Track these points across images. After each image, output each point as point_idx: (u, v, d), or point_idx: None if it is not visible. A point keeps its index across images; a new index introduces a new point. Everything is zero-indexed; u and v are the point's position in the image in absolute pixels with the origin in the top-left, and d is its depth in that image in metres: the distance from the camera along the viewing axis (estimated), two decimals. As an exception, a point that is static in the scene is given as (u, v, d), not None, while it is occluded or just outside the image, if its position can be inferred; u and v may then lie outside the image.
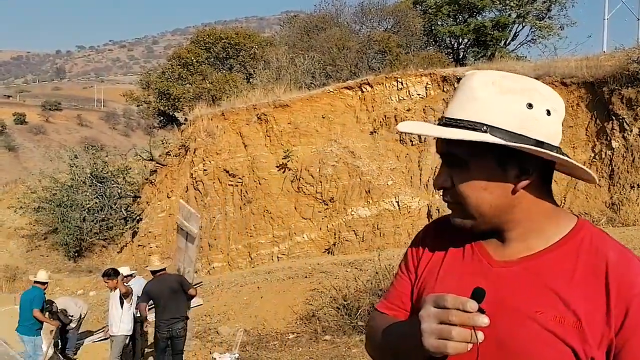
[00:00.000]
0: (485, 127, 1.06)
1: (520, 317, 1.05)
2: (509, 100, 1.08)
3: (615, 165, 11.85)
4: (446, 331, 0.94)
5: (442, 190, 1.16)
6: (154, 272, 7.52)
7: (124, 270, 8.86)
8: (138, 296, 8.21)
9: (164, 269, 7.64)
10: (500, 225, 1.14)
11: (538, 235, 1.13)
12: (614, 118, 12.10)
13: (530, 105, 1.08)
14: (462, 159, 1.10)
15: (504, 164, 1.09)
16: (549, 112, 1.09)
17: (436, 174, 1.16)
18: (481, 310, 0.94)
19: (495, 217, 1.13)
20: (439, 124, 1.12)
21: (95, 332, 10.63)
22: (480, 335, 0.94)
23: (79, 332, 9.88)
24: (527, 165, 1.09)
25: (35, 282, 8.52)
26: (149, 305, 7.80)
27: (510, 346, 1.04)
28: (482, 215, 1.12)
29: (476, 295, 0.95)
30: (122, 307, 7.63)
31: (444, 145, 1.12)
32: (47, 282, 8.59)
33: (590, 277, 1.06)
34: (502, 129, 1.06)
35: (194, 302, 11.17)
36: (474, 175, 1.10)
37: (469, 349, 0.94)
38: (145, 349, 9.14)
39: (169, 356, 7.31)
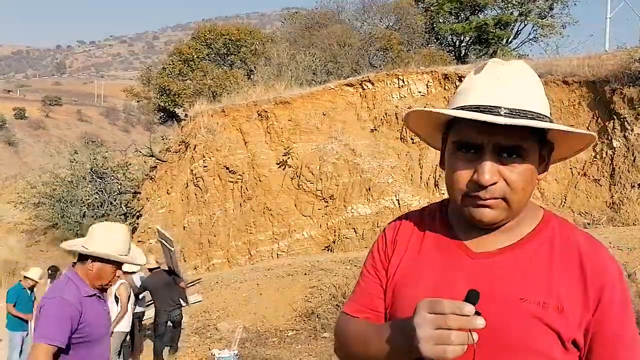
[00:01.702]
0: (547, 118, 1.11)
1: (506, 305, 1.08)
2: (544, 93, 1.14)
3: (616, 165, 11.83)
4: (445, 336, 0.94)
5: (471, 187, 1.10)
6: (150, 269, 8.56)
7: (127, 266, 8.76)
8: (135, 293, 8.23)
9: (159, 267, 8.82)
10: (515, 217, 1.15)
11: (517, 226, 1.15)
12: (615, 117, 12.07)
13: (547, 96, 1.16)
14: (524, 149, 1.09)
15: (542, 154, 1.15)
16: None
17: (480, 170, 1.07)
18: (477, 313, 0.95)
19: (522, 209, 1.14)
20: (490, 114, 1.07)
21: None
22: (476, 336, 0.95)
23: None
24: (545, 154, 1.16)
25: (25, 277, 8.46)
26: (147, 302, 8.86)
27: (499, 334, 1.06)
28: (520, 207, 1.13)
29: (471, 297, 0.96)
30: (117, 305, 7.62)
31: (509, 137, 1.06)
32: (34, 280, 8.40)
33: (566, 263, 1.11)
34: (552, 119, 1.12)
35: (193, 298, 11.24)
36: (529, 166, 1.10)
37: (465, 350, 0.96)
38: (144, 346, 9.14)
39: (167, 340, 8.43)
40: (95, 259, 2.86)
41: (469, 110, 1.08)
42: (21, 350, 8.33)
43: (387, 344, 1.11)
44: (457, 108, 1.11)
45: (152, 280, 8.34)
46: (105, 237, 2.89)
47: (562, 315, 1.07)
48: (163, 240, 10.67)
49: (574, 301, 1.08)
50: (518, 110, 1.07)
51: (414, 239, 1.25)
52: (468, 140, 1.10)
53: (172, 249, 9.84)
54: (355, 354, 1.23)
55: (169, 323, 8.41)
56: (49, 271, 9.59)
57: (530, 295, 1.08)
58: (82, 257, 2.90)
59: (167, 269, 9.29)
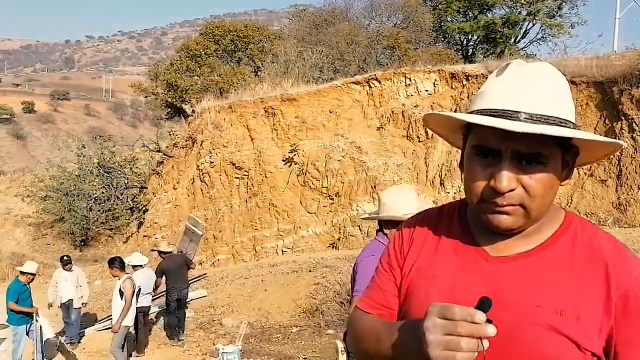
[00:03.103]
0: (570, 124, 1.07)
1: (521, 312, 1.05)
2: (570, 97, 1.11)
3: (623, 166, 11.77)
4: (455, 343, 0.93)
5: (489, 193, 1.07)
6: (164, 253, 9.45)
7: (135, 259, 8.88)
8: (140, 288, 8.29)
9: (171, 251, 9.79)
10: (534, 223, 1.12)
11: (537, 231, 1.12)
12: (623, 118, 12.01)
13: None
14: (544, 156, 1.05)
15: (565, 160, 1.10)
16: None
17: (498, 176, 1.04)
18: (488, 320, 0.93)
19: (542, 216, 1.11)
20: (510, 119, 1.03)
21: (100, 321, 10.70)
22: (486, 343, 0.93)
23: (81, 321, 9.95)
24: (569, 159, 1.12)
25: (21, 272, 8.51)
26: (154, 296, 9.54)
27: (512, 342, 1.04)
28: (540, 215, 1.09)
29: (482, 305, 0.93)
30: (122, 298, 7.68)
31: (528, 143, 1.02)
32: (32, 274, 8.48)
33: (588, 267, 1.07)
34: (577, 125, 1.08)
35: (198, 293, 11.30)
36: (549, 174, 1.06)
37: (474, 357, 0.94)
38: (148, 340, 9.20)
39: (175, 315, 9.32)
40: (389, 223, 3.04)
41: (488, 115, 1.05)
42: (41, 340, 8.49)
43: (397, 343, 1.10)
44: (476, 111, 1.09)
45: (168, 263, 9.25)
46: (396, 200, 3.05)
47: (579, 324, 1.03)
48: (192, 226, 12.61)
49: (595, 307, 1.04)
50: (539, 115, 1.03)
51: (430, 238, 1.23)
52: (486, 145, 1.06)
53: (201, 234, 12.15)
54: (366, 350, 1.22)
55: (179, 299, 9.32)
56: (64, 260, 9.72)
57: (546, 302, 1.05)
58: (383, 223, 3.12)
59: (178, 252, 10.65)
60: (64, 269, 9.57)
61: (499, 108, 1.05)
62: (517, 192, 1.04)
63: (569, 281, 1.06)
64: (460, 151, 1.20)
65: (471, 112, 1.11)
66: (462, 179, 1.16)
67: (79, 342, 9.53)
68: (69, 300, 9.44)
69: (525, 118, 1.03)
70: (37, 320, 8.35)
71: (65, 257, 9.88)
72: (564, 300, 1.04)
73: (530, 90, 1.05)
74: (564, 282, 1.06)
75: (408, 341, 1.06)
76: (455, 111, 13.91)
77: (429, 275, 1.17)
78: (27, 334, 8.30)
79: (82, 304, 9.73)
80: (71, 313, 9.47)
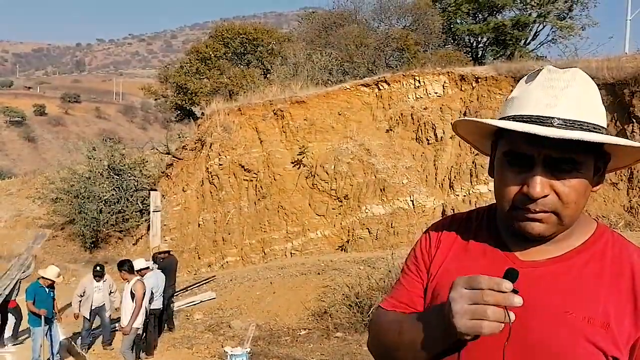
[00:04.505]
0: (603, 130, 1.06)
1: (550, 317, 1.04)
2: (601, 103, 1.10)
3: (634, 169, 11.67)
4: (481, 311, 0.93)
5: (521, 199, 1.06)
6: (166, 252, 10.32)
7: (139, 263, 8.82)
8: (152, 290, 8.31)
9: (170, 251, 10.62)
10: (566, 230, 1.12)
11: (567, 237, 1.12)
12: (634, 120, 11.92)
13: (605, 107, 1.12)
14: (578, 163, 1.04)
15: (597, 166, 1.10)
16: None
17: (531, 182, 1.04)
18: (514, 291, 0.94)
19: (574, 223, 1.10)
20: (543, 125, 1.03)
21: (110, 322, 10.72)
22: (512, 315, 0.94)
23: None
24: (601, 166, 1.11)
25: (42, 277, 8.55)
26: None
27: (540, 347, 1.04)
28: (572, 222, 1.09)
29: (509, 275, 0.95)
30: (132, 300, 7.69)
31: (561, 149, 1.02)
32: (51, 280, 8.48)
33: (618, 278, 1.07)
34: (608, 131, 1.08)
35: (206, 295, 11.31)
36: (582, 180, 1.06)
37: (501, 329, 0.94)
38: (157, 341, 9.22)
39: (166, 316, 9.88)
40: None
41: (520, 121, 1.05)
42: (51, 343, 8.55)
43: (422, 329, 1.09)
44: (508, 117, 1.08)
45: (169, 261, 10.07)
46: None
47: (607, 332, 1.02)
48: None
49: (622, 318, 1.03)
50: (573, 121, 1.02)
51: (458, 242, 1.22)
52: (518, 151, 1.06)
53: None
54: (388, 345, 1.20)
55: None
56: (97, 272, 9.55)
57: (575, 309, 1.04)
58: None
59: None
60: (95, 280, 9.42)
61: (532, 114, 1.05)
62: (550, 199, 1.04)
63: (599, 290, 1.06)
64: (488, 158, 1.20)
65: (502, 119, 1.10)
66: (492, 186, 1.15)
67: (110, 344, 9.52)
68: (99, 306, 9.41)
69: (558, 124, 1.02)
70: (49, 323, 8.44)
71: (98, 268, 9.63)
72: (592, 308, 1.04)
73: (562, 96, 1.05)
74: (594, 290, 1.06)
75: (434, 321, 1.06)
76: (465, 114, 13.86)
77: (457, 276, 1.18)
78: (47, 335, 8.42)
79: (115, 309, 9.68)
80: (103, 318, 9.48)
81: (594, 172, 1.09)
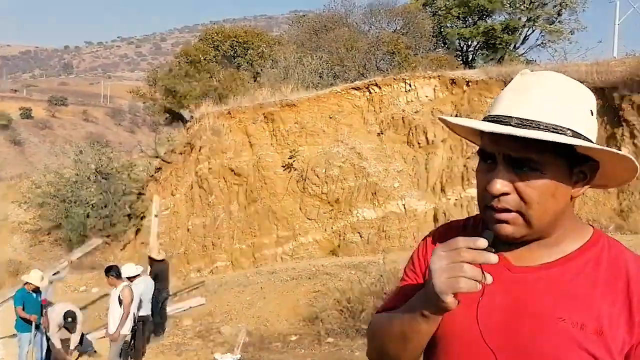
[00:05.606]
0: (569, 132, 1.04)
1: (542, 323, 1.05)
2: (580, 106, 1.08)
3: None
4: (458, 267, 0.97)
5: (486, 197, 1.08)
6: (159, 260, 10.33)
7: (129, 271, 8.47)
8: (141, 298, 8.16)
9: (164, 259, 10.62)
10: (542, 233, 1.10)
11: (560, 243, 1.12)
12: (624, 124, 11.98)
13: (592, 113, 1.10)
14: (538, 163, 1.04)
15: (572, 169, 1.08)
16: (592, 114, 1.11)
17: (490, 178, 1.07)
18: (490, 250, 0.97)
19: (549, 226, 1.09)
20: (502, 123, 1.06)
21: (97, 329, 10.56)
22: (489, 277, 0.98)
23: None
24: (586, 171, 1.10)
25: (26, 282, 8.41)
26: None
27: (531, 353, 1.04)
28: (541, 224, 1.08)
29: (485, 235, 1.00)
30: (120, 306, 7.55)
31: (517, 148, 1.03)
32: (34, 286, 8.30)
33: (612, 285, 1.06)
34: (580, 134, 1.05)
35: (196, 301, 11.19)
36: (546, 181, 1.05)
37: (478, 288, 0.97)
38: (146, 348, 9.08)
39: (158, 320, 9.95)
40: None
41: (489, 121, 1.08)
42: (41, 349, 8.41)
43: (407, 310, 1.12)
44: (484, 118, 1.12)
45: (162, 266, 10.31)
46: None
47: (600, 339, 1.02)
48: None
49: (617, 325, 1.03)
50: (530, 121, 1.03)
51: None
52: (485, 149, 1.10)
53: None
54: (382, 343, 1.21)
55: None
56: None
57: (568, 315, 1.04)
58: None
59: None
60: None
61: (498, 114, 1.08)
62: (511, 197, 1.05)
63: (592, 296, 1.06)
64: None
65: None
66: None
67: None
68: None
69: (516, 123, 1.04)
70: (37, 329, 8.32)
71: (69, 320, 9.31)
72: (586, 315, 1.04)
73: (525, 97, 1.07)
74: (587, 296, 1.06)
75: (416, 300, 1.09)
76: (455, 117, 13.85)
77: None
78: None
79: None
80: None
81: (576, 177, 1.08)
